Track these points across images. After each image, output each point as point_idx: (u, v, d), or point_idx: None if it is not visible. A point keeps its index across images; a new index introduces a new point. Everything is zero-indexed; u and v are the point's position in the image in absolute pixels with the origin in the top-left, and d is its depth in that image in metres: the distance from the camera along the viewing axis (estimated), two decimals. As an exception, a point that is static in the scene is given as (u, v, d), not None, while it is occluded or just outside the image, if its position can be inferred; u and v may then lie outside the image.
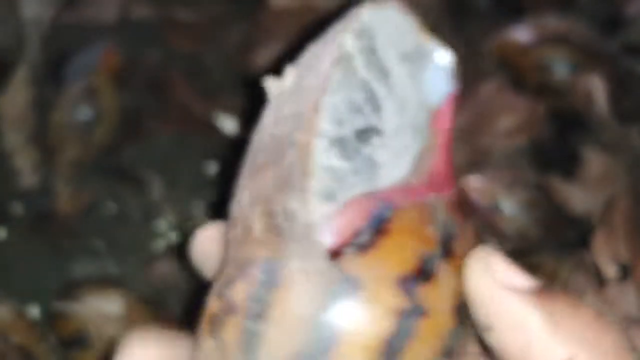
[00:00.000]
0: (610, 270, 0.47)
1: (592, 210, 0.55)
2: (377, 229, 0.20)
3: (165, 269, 0.58)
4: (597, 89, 0.58)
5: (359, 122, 0.22)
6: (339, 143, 0.21)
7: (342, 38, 0.22)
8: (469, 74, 0.67)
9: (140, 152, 0.63)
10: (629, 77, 0.64)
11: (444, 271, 0.21)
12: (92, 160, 0.61)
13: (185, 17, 0.70)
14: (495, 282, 0.22)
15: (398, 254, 0.20)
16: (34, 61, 0.63)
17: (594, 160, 0.57)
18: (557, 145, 0.60)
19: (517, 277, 0.22)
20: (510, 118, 0.60)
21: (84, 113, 0.59)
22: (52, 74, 0.63)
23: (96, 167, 0.61)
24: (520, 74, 0.63)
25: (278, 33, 0.70)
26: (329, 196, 0.21)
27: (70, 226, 0.59)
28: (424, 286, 0.20)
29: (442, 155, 0.22)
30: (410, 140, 0.22)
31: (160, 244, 0.59)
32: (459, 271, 0.22)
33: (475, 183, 0.55)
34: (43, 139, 0.61)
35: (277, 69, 0.29)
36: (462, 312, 0.21)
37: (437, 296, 0.21)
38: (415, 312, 0.20)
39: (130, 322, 0.46)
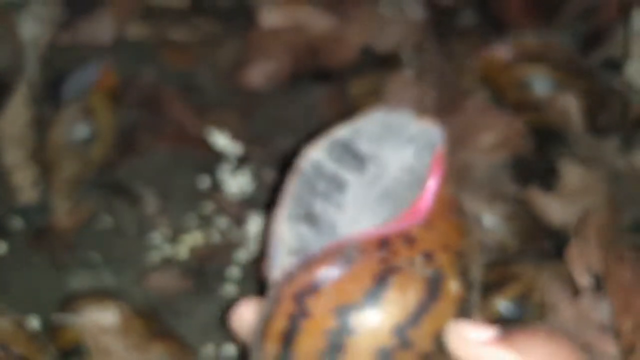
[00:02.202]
0: (584, 280, 0.49)
1: (569, 222, 0.57)
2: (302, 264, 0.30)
3: (161, 280, 0.61)
4: (572, 105, 0.60)
5: (321, 199, 0.32)
6: (305, 216, 0.31)
7: (299, 162, 0.32)
8: (453, 91, 0.70)
9: (136, 168, 0.65)
10: (607, 92, 0.67)
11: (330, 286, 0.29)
12: (89, 176, 0.63)
13: (178, 36, 0.73)
14: (470, 344, 0.28)
15: (301, 277, 0.29)
16: (32, 81, 0.66)
17: (571, 174, 0.59)
18: (536, 159, 0.62)
19: (483, 332, 0.28)
20: (491, 134, 0.63)
21: (81, 131, 0.62)
22: (50, 93, 0.65)
23: (93, 182, 0.63)
24: (501, 90, 0.65)
25: (269, 51, 0.72)
26: (297, 250, 0.31)
27: (68, 240, 0.61)
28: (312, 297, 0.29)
29: (426, 205, 0.30)
30: (383, 200, 0.32)
31: (155, 256, 0.61)
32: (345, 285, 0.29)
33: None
34: (41, 156, 0.63)
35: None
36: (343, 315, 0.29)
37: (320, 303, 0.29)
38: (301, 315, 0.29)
39: (126, 332, 0.48)
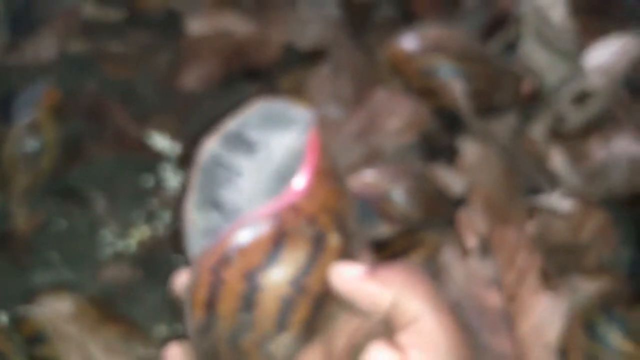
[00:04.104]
0: (471, 242, 0.58)
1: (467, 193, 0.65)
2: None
3: (114, 272, 0.68)
4: (457, 91, 0.68)
5: (222, 187, 0.38)
6: (211, 202, 0.37)
7: (198, 158, 0.38)
8: (367, 82, 0.77)
9: (84, 173, 0.72)
10: (502, 74, 0.75)
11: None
12: (41, 184, 0.70)
13: (116, 48, 0.80)
14: (344, 280, 0.35)
15: (215, 252, 0.36)
16: (-16, 103, 0.72)
17: (468, 150, 0.67)
18: (440, 139, 0.70)
19: (354, 269, 0.35)
20: (399, 119, 0.70)
21: (31, 145, 0.69)
22: (1, 112, 0.71)
23: (46, 189, 0.70)
24: (407, 78, 0.73)
25: (199, 56, 0.79)
26: (209, 231, 0.37)
27: (27, 242, 0.68)
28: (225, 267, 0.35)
29: (306, 178, 0.36)
30: (274, 179, 0.38)
31: (107, 252, 0.69)
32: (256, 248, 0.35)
33: (367, 177, 0.65)
34: (-2, 170, 0.70)
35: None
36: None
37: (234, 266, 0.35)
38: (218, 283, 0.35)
39: (80, 318, 0.56)
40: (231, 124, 0.38)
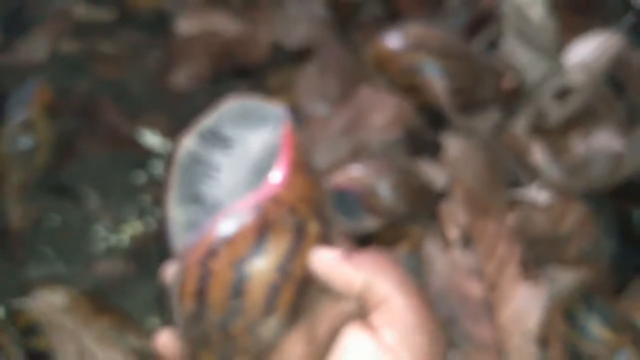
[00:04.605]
0: (452, 234, 0.59)
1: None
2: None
3: (107, 267, 0.70)
4: (440, 88, 0.70)
5: (202, 182, 0.39)
6: (191, 197, 0.39)
7: (176, 155, 0.39)
8: (352, 79, 0.79)
9: (77, 170, 0.74)
10: (484, 71, 0.76)
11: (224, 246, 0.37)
12: (35, 181, 0.72)
13: (107, 48, 0.81)
14: (322, 263, 0.37)
15: (201, 245, 0.37)
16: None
17: (451, 145, 0.69)
18: (424, 134, 0.72)
19: (331, 253, 0.37)
20: (384, 115, 0.72)
21: (24, 143, 0.70)
22: (-5, 111, 0.73)
23: (40, 186, 0.72)
24: (391, 76, 0.75)
25: (189, 56, 0.81)
26: (191, 225, 0.39)
27: (22, 238, 0.70)
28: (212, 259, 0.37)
29: (284, 171, 0.38)
30: (252, 173, 0.39)
31: (100, 246, 0.70)
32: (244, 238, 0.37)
33: (353, 172, 0.67)
34: (-8, 168, 0.71)
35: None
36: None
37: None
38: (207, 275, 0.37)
39: (73, 310, 0.58)
40: (206, 122, 0.39)
